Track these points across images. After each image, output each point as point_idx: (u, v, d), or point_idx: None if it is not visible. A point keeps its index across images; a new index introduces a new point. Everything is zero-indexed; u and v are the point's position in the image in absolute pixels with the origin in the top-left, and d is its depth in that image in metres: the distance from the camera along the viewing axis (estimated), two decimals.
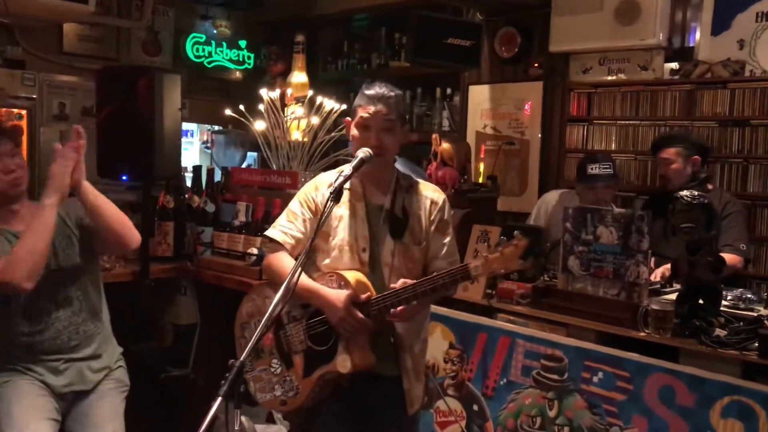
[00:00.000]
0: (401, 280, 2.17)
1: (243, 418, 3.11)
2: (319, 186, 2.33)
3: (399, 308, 2.16)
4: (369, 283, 2.22)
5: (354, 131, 2.29)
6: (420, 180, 2.42)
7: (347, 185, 2.23)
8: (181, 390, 3.29)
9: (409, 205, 2.33)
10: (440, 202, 2.37)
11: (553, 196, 3.88)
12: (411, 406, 2.33)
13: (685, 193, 2.62)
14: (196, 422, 1.62)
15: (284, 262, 2.28)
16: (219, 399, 1.69)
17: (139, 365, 2.99)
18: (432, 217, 2.34)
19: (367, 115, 2.24)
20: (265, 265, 2.38)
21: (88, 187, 2.46)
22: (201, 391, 3.28)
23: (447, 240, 2.35)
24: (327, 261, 2.28)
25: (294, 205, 2.36)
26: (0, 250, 2.43)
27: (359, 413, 2.30)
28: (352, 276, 2.21)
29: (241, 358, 1.74)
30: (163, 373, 3.23)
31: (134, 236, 2.60)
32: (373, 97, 2.25)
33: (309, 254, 2.13)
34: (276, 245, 2.32)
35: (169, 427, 3.25)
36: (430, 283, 2.14)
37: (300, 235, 2.31)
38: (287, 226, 2.33)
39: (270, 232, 2.35)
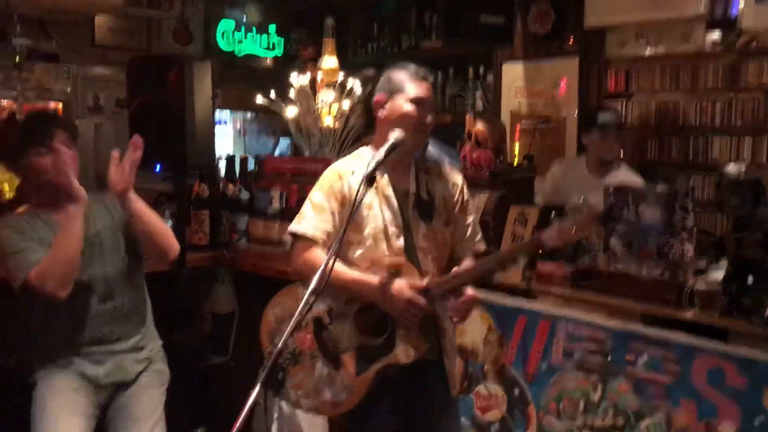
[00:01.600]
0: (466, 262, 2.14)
1: (283, 404, 3.13)
2: (342, 175, 2.22)
3: (468, 295, 2.15)
4: (414, 270, 2.17)
5: (406, 107, 2.18)
6: (433, 162, 2.37)
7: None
8: (220, 378, 3.30)
9: (432, 187, 2.29)
10: (461, 183, 2.35)
11: (554, 168, 3.94)
12: (453, 387, 2.31)
13: (731, 168, 2.54)
14: (236, 410, 1.61)
15: (323, 258, 2.11)
16: (257, 387, 1.68)
17: (178, 354, 3.00)
18: (456, 199, 2.31)
19: (422, 90, 2.19)
20: (301, 264, 2.21)
21: (133, 196, 2.45)
22: (241, 379, 3.29)
23: (470, 220, 2.35)
24: (360, 252, 2.20)
25: (317, 197, 2.22)
26: (45, 239, 2.44)
27: (405, 399, 2.26)
28: (397, 264, 2.16)
29: (279, 346, 1.73)
30: (202, 361, 3.24)
31: (174, 246, 2.60)
32: (422, 74, 2.21)
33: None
34: (307, 242, 2.20)
35: (209, 416, 3.27)
36: (498, 260, 2.13)
37: (331, 229, 2.19)
38: (316, 219, 2.20)
39: (298, 228, 2.22)
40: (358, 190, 1.99)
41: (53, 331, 2.52)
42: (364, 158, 2.23)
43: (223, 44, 6.11)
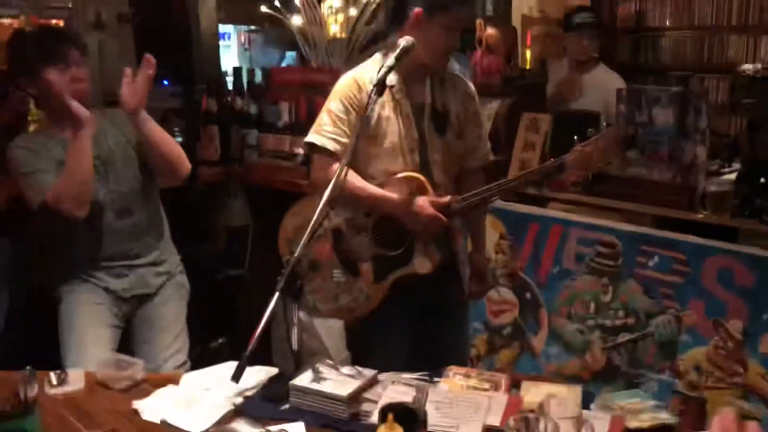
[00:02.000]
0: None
1: (300, 313, 3.21)
2: (361, 84, 2.17)
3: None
4: (427, 182, 2.18)
5: (442, 34, 2.14)
6: (447, 72, 2.32)
7: (392, 83, 2.15)
8: (237, 289, 3.38)
9: (446, 99, 2.27)
10: (472, 93, 2.33)
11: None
12: (464, 293, 2.38)
13: (747, 66, 2.50)
14: (254, 320, 1.66)
15: (354, 175, 2.14)
16: (276, 295, 1.72)
17: (196, 268, 3.06)
18: (467, 109, 2.30)
19: (461, 15, 2.18)
20: (322, 179, 2.15)
21: (145, 116, 2.43)
22: (257, 290, 3.36)
23: (481, 131, 2.36)
24: (378, 165, 2.19)
25: (336, 105, 2.17)
26: (59, 159, 2.45)
27: (418, 304, 2.32)
28: (417, 177, 2.17)
29: (296, 254, 1.77)
30: (219, 273, 3.31)
31: (185, 165, 2.59)
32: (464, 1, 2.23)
33: (354, 159, 2.09)
34: (325, 154, 2.16)
35: (229, 326, 3.36)
36: (519, 180, 2.15)
37: (347, 140, 2.16)
38: (334, 131, 2.16)
39: (317, 140, 2.17)
40: (370, 96, 1.97)
41: (75, 248, 2.55)
42: (376, 61, 2.19)
43: None
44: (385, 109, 2.16)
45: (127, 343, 2.65)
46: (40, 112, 3.03)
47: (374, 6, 3.46)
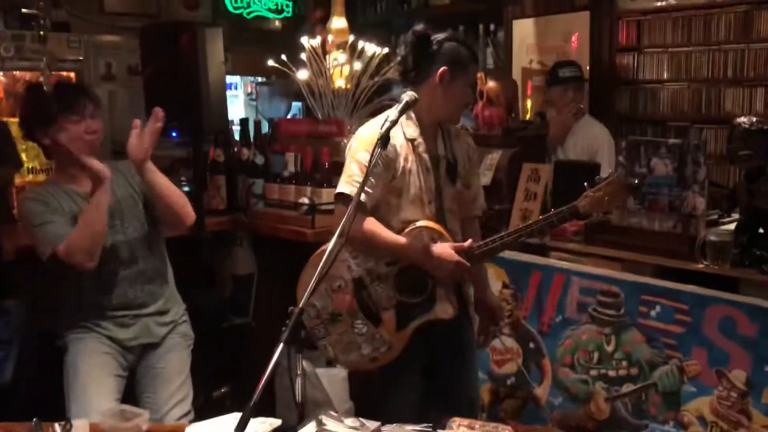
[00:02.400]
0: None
1: (304, 363, 3.21)
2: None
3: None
4: (445, 232, 2.27)
5: (465, 90, 2.31)
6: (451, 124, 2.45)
7: (413, 136, 2.27)
8: (242, 338, 3.39)
9: (455, 150, 2.38)
10: (473, 144, 2.47)
11: None
12: (476, 338, 2.48)
13: (742, 119, 2.55)
14: (258, 369, 1.67)
15: (380, 226, 2.23)
16: (281, 345, 1.74)
17: (201, 316, 3.08)
18: (471, 160, 2.43)
19: (477, 72, 2.38)
20: (365, 231, 2.21)
21: (151, 167, 2.50)
22: (262, 339, 3.37)
23: (478, 182, 2.50)
24: (401, 216, 2.27)
25: (365, 156, 2.18)
26: (68, 211, 2.50)
27: (432, 351, 2.37)
28: (437, 227, 2.25)
29: (300, 304, 1.79)
30: (224, 322, 3.32)
31: (190, 214, 2.65)
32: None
33: (375, 209, 2.24)
34: (362, 210, 2.20)
35: (233, 375, 3.36)
36: (537, 225, 2.22)
37: (373, 192, 2.23)
38: (367, 185, 2.16)
39: (349, 189, 2.20)
40: (374, 150, 2.01)
41: (82, 297, 2.58)
42: (401, 119, 2.24)
43: (231, 7, 6.09)
44: (408, 161, 2.26)
45: (131, 392, 2.66)
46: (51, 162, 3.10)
47: (377, 58, 3.55)
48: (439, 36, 2.29)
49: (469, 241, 2.24)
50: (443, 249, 2.20)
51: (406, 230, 2.25)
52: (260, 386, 1.68)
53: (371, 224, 2.22)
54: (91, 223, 2.41)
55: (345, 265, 2.29)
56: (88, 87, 2.78)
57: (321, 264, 1.79)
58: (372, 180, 2.19)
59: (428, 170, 2.30)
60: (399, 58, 2.37)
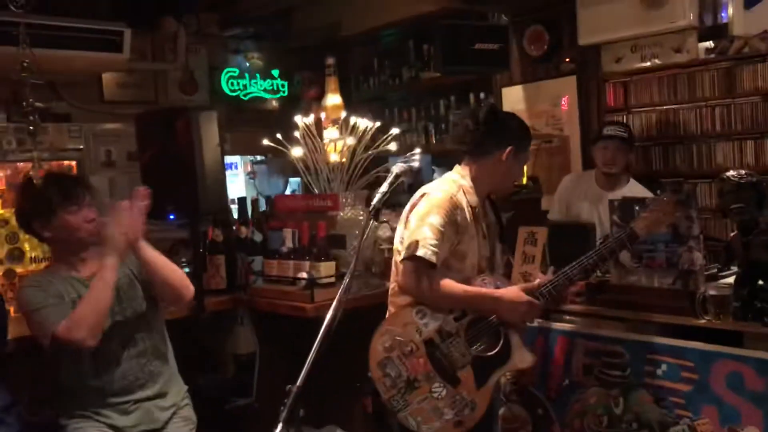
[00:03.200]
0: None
1: None
2: (458, 203, 2.35)
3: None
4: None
5: (516, 167, 2.48)
6: None
7: (474, 204, 2.39)
8: (246, 419, 3.33)
9: (497, 212, 2.54)
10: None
11: (564, 182, 4.06)
12: None
13: (732, 173, 2.57)
14: None
15: (448, 280, 2.30)
16: (280, 426, 1.73)
17: (204, 397, 3.04)
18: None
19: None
20: (433, 287, 2.27)
21: (145, 247, 2.54)
22: (266, 419, 3.31)
23: None
24: (459, 279, 2.33)
25: (438, 220, 2.28)
26: (67, 297, 2.51)
27: None
28: (498, 275, 2.37)
29: (298, 383, 1.78)
30: (227, 403, 3.28)
31: (189, 290, 2.67)
32: None
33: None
34: (428, 267, 2.27)
35: None
36: (597, 254, 2.29)
37: (444, 255, 2.32)
38: (438, 246, 2.27)
39: (427, 255, 2.25)
40: (369, 220, 2.03)
41: (82, 384, 2.57)
42: (460, 184, 2.41)
43: (228, 90, 6.25)
44: (472, 228, 2.36)
45: None
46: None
47: (371, 132, 3.62)
48: (504, 113, 2.48)
49: (537, 280, 2.30)
50: (512, 291, 2.28)
51: (470, 283, 2.32)
52: None
53: (448, 282, 2.29)
54: (97, 299, 2.43)
55: (413, 327, 2.29)
56: (84, 177, 2.85)
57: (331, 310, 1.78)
58: (445, 243, 2.29)
59: (485, 237, 2.41)
60: (465, 130, 2.46)
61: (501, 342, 2.28)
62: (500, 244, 2.49)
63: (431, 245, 2.25)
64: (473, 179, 2.42)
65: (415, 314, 2.30)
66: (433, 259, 2.25)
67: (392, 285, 2.48)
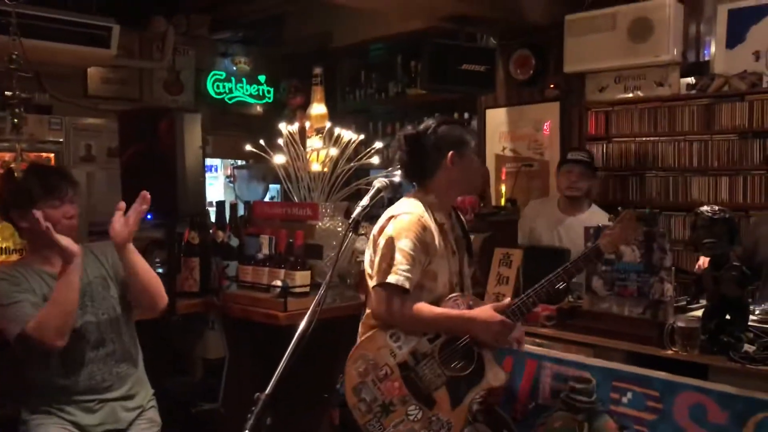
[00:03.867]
0: None
1: None
2: (426, 225, 2.31)
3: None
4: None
5: (468, 167, 2.42)
6: None
7: (443, 221, 2.37)
8: (211, 424, 3.31)
9: (462, 226, 2.52)
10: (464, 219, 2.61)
11: (528, 206, 4.19)
12: None
13: (705, 208, 2.62)
14: None
15: (422, 303, 2.28)
16: None
17: (170, 400, 3.01)
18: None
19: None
20: (407, 313, 2.25)
21: (132, 249, 2.52)
22: (231, 425, 3.29)
23: None
24: (432, 297, 2.32)
25: (407, 244, 2.25)
26: (39, 291, 2.48)
27: None
28: (469, 295, 2.37)
29: (267, 391, 1.78)
30: (194, 407, 3.25)
31: (163, 298, 2.67)
32: None
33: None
34: (400, 293, 2.24)
35: None
36: (565, 271, 2.29)
37: (415, 278, 2.27)
38: (410, 272, 2.24)
39: (394, 279, 2.22)
40: (346, 235, 2.03)
41: (48, 380, 2.54)
42: (427, 202, 2.38)
43: (213, 93, 6.24)
44: (440, 246, 2.34)
45: None
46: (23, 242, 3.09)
47: (354, 144, 3.63)
48: (429, 125, 2.39)
49: (507, 299, 2.32)
50: (484, 311, 2.27)
51: (442, 303, 2.31)
52: None
53: (423, 306, 2.28)
54: (62, 301, 2.39)
55: (387, 350, 2.28)
56: (68, 172, 2.82)
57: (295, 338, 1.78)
58: (417, 267, 2.26)
59: (454, 253, 2.40)
60: (399, 163, 2.44)
61: (475, 361, 2.28)
62: (468, 257, 2.49)
63: (402, 270, 2.22)
64: (437, 194, 2.40)
65: (389, 337, 2.29)
66: (406, 285, 2.23)
67: (367, 310, 2.46)
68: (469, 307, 2.31)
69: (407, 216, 2.31)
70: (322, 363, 3.17)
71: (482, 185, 3.72)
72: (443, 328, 2.29)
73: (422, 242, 2.27)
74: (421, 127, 2.40)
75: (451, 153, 2.36)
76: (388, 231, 2.30)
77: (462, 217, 2.56)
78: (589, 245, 2.78)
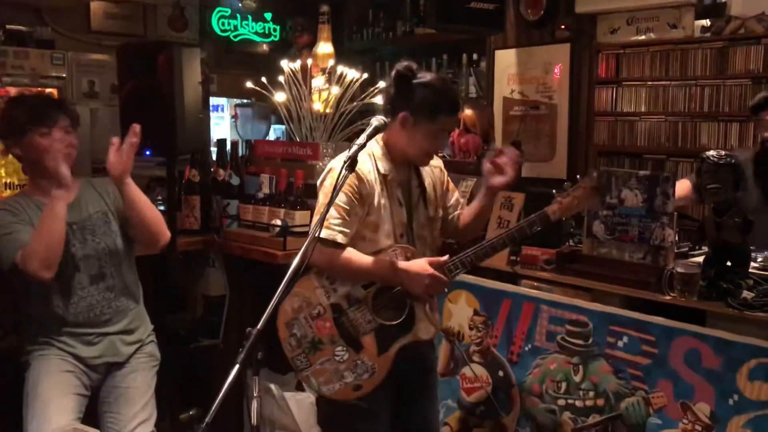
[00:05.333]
0: None
1: (272, 386, 3.18)
2: (361, 175, 2.22)
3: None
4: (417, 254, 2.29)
5: (426, 139, 2.27)
6: None
7: (386, 171, 2.29)
8: (210, 360, 3.36)
9: (424, 177, 2.41)
10: (442, 165, 2.51)
11: None
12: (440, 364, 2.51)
13: (711, 153, 2.57)
14: (227, 392, 1.66)
15: (355, 254, 2.23)
16: (237, 366, 1.73)
17: (171, 336, 3.05)
18: (442, 181, 2.48)
19: (449, 125, 2.34)
20: (340, 264, 2.21)
21: (130, 184, 2.50)
22: (230, 360, 3.32)
23: (456, 194, 2.56)
24: (375, 248, 2.28)
25: (343, 199, 2.19)
26: (36, 222, 2.48)
27: (401, 375, 2.36)
28: (410, 247, 2.29)
29: (258, 326, 1.78)
30: (193, 343, 3.29)
31: (165, 234, 2.66)
32: (457, 108, 2.36)
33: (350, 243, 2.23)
34: (332, 246, 2.19)
35: (202, 397, 3.32)
36: (508, 236, 2.25)
37: (351, 230, 2.23)
38: (344, 225, 2.20)
39: (330, 235, 2.17)
40: (340, 173, 2.00)
41: (47, 312, 2.56)
42: (374, 154, 2.30)
43: (218, 30, 6.13)
44: (382, 196, 2.27)
45: (95, 412, 2.62)
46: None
47: (357, 84, 3.58)
48: (421, 78, 2.26)
49: (446, 256, 2.25)
50: (416, 263, 2.22)
51: (382, 254, 2.27)
52: (213, 408, 1.67)
53: (351, 255, 2.22)
54: (47, 231, 2.39)
55: (323, 291, 2.28)
56: (63, 101, 2.79)
57: (279, 290, 1.79)
58: (349, 219, 2.20)
59: (401, 204, 2.32)
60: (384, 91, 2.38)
61: (406, 312, 2.27)
62: (423, 209, 2.38)
63: (335, 225, 2.18)
64: (385, 143, 2.31)
65: (326, 279, 2.29)
66: (338, 238, 2.18)
67: None
68: (406, 260, 2.25)
69: (339, 164, 2.19)
70: None
71: (487, 127, 3.65)
72: (375, 277, 2.26)
73: (357, 194, 2.20)
74: (416, 71, 2.28)
75: (405, 113, 2.24)
76: (325, 183, 2.26)
77: (425, 168, 2.43)
78: None
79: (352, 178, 2.19)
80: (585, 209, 2.34)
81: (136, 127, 2.47)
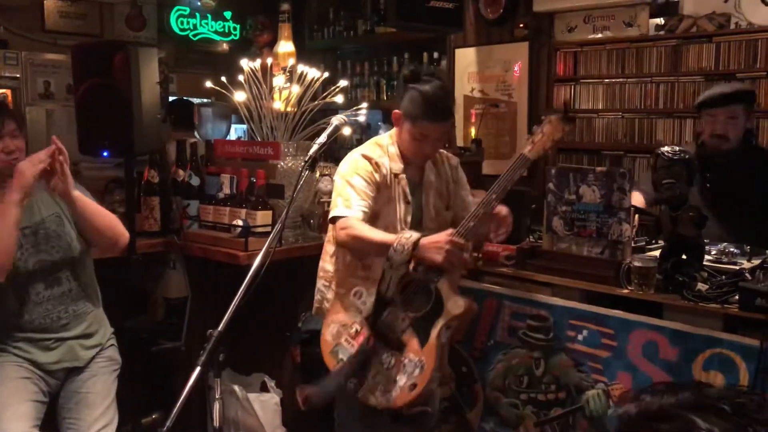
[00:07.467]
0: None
1: (236, 388, 3.16)
2: (380, 164, 2.42)
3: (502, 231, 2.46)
4: None
5: (410, 139, 2.43)
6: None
7: (397, 171, 2.43)
8: (172, 363, 3.32)
9: (437, 174, 2.56)
10: (457, 163, 2.67)
11: None
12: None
13: (666, 149, 2.61)
14: (190, 395, 1.65)
15: (377, 230, 2.34)
16: (198, 368, 1.72)
17: (132, 339, 3.01)
18: (456, 178, 2.63)
19: (431, 131, 2.41)
20: (364, 237, 2.32)
21: (78, 196, 2.47)
22: (192, 363, 3.29)
23: (468, 193, 2.69)
24: None
25: (358, 181, 2.38)
26: None
27: None
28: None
29: (219, 328, 1.77)
30: (155, 346, 3.25)
31: (122, 236, 2.64)
32: (442, 114, 2.43)
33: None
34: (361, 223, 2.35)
35: (164, 400, 3.28)
36: (499, 188, 2.32)
37: (368, 211, 2.39)
38: (362, 203, 2.36)
39: (347, 212, 2.35)
40: (302, 172, 2.04)
41: (1, 318, 2.51)
42: (384, 146, 2.47)
43: (177, 29, 6.05)
44: (391, 192, 2.44)
45: (54, 418, 2.58)
46: None
47: (318, 83, 3.56)
48: (421, 84, 2.39)
49: (449, 230, 2.31)
50: (430, 236, 2.30)
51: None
52: (174, 411, 1.66)
53: (359, 225, 2.33)
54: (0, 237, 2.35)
55: (354, 309, 2.37)
56: (7, 106, 2.73)
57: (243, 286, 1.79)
58: (368, 200, 2.37)
59: (408, 202, 2.45)
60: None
61: (433, 296, 2.32)
62: (431, 207, 2.54)
63: (355, 203, 2.35)
64: (397, 143, 2.50)
65: (353, 296, 2.38)
66: (359, 214, 2.33)
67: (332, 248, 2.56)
68: None
69: (356, 156, 2.44)
70: (283, 302, 3.18)
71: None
72: (382, 247, 2.31)
73: (372, 180, 2.38)
74: (420, 76, 2.40)
75: (397, 112, 2.44)
76: (342, 168, 2.44)
77: (442, 161, 2.60)
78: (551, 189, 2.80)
79: (368, 165, 2.39)
80: (562, 138, 2.43)
81: (58, 142, 2.44)
